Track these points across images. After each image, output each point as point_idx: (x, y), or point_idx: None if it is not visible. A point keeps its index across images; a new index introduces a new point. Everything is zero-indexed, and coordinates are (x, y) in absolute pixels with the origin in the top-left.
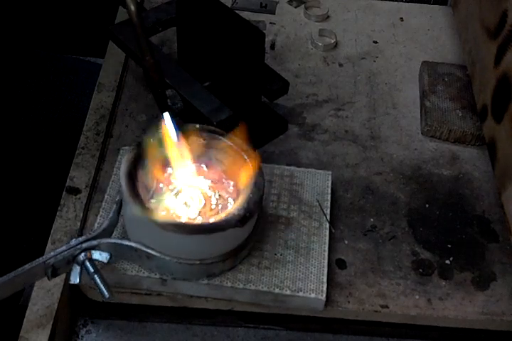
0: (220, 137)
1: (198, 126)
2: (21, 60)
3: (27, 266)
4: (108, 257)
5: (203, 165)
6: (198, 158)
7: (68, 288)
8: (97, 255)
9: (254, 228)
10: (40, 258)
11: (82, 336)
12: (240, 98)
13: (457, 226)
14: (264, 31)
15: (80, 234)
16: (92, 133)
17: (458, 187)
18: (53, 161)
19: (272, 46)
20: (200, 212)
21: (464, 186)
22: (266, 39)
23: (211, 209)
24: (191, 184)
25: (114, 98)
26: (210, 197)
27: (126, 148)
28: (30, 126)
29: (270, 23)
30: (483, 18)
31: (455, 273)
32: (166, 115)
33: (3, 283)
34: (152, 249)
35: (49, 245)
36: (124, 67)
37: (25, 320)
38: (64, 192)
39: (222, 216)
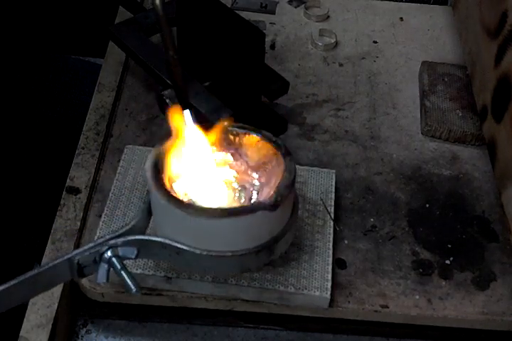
0: (250, 132)
1: (226, 124)
2: (21, 60)
3: (50, 263)
4: (136, 252)
5: (230, 157)
6: (226, 150)
7: (68, 288)
8: (123, 251)
9: (289, 220)
10: (65, 255)
11: (82, 336)
12: (240, 98)
13: (457, 226)
14: (264, 31)
15: (80, 235)
16: (91, 133)
17: (458, 187)
18: (53, 161)
19: (272, 46)
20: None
21: (464, 186)
22: (266, 39)
23: (236, 201)
24: (217, 175)
25: (114, 98)
26: (235, 188)
27: (130, 146)
28: (30, 125)
29: (270, 23)
30: (483, 18)
31: (455, 273)
32: (187, 112)
33: (22, 283)
34: (181, 243)
35: (49, 245)
36: (124, 67)
37: (25, 320)
38: (64, 192)
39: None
